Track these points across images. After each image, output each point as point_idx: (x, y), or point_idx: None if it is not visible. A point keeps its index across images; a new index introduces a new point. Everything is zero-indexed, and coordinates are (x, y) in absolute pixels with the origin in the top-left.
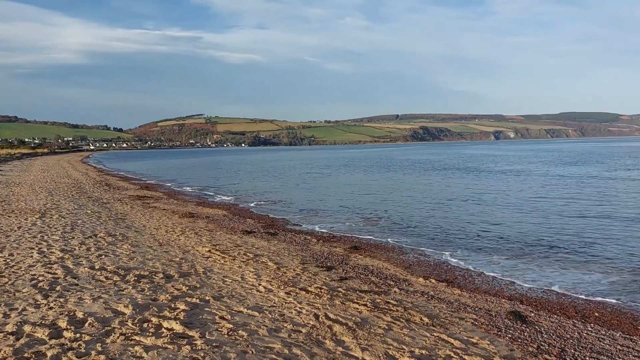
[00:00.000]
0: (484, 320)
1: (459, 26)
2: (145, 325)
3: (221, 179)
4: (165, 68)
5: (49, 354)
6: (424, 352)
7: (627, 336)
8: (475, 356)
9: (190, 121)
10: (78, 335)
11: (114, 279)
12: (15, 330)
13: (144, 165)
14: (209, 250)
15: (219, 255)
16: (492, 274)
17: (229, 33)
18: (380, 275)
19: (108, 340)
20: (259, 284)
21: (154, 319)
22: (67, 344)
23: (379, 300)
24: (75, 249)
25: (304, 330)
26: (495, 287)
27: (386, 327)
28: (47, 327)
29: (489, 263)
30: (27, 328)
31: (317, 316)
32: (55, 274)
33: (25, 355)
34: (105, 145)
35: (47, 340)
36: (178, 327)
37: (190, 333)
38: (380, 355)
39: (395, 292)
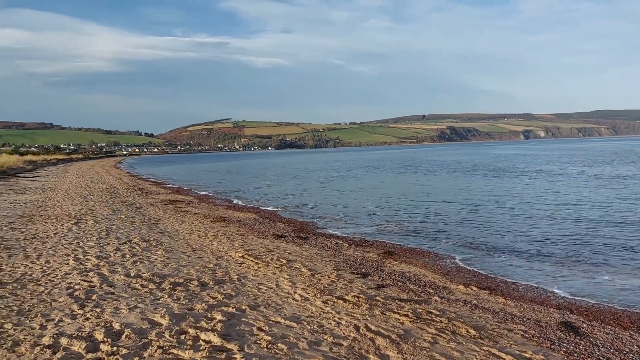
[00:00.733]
0: (535, 332)
1: (484, 25)
2: (182, 337)
3: (250, 182)
4: (193, 74)
5: None
6: None
7: None
8: None
9: (218, 125)
10: (115, 348)
11: (150, 286)
12: (51, 343)
13: (174, 170)
14: (242, 256)
15: (252, 261)
16: (535, 281)
17: (255, 38)
18: (418, 282)
19: (145, 354)
20: (295, 292)
21: (191, 330)
22: (104, 358)
23: (420, 310)
24: (110, 255)
25: (345, 344)
26: (541, 295)
27: (432, 340)
28: (83, 339)
29: (531, 269)
30: (63, 341)
31: (357, 328)
32: (91, 282)
33: None
34: (137, 150)
35: (84, 354)
36: (216, 340)
37: (229, 346)
38: None
39: (436, 301)
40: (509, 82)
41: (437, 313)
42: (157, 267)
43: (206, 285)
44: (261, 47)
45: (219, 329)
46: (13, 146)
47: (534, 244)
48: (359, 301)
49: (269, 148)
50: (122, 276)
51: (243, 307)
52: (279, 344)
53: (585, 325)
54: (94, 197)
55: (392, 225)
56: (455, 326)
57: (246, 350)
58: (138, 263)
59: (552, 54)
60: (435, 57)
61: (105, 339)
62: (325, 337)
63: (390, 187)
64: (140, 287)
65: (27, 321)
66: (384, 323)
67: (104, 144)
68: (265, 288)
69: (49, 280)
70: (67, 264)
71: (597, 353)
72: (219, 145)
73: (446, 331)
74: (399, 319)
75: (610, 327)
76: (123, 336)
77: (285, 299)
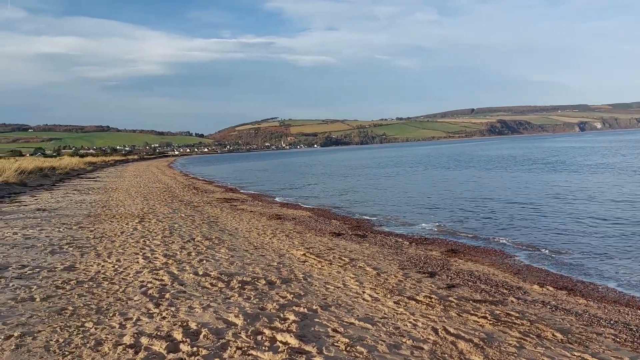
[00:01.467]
0: (626, 337)
1: (533, 15)
2: (259, 337)
3: (298, 180)
4: (241, 74)
5: None
6: None
7: None
8: None
9: (265, 125)
10: (195, 349)
11: (219, 285)
12: (133, 342)
13: (224, 169)
14: (304, 254)
15: (314, 259)
16: (613, 282)
17: (300, 37)
18: (490, 282)
19: (225, 355)
20: (363, 292)
21: (266, 331)
22: (185, 359)
23: (498, 312)
24: (176, 253)
25: (426, 347)
26: (625, 296)
27: (517, 345)
28: (163, 339)
29: (609, 267)
30: (144, 340)
31: (435, 330)
32: (162, 280)
33: None
34: (188, 150)
35: (166, 355)
36: (293, 341)
37: (307, 348)
38: None
39: (512, 301)
40: (562, 72)
41: (517, 315)
42: (224, 265)
43: (274, 284)
44: (306, 45)
45: (295, 330)
46: (73, 148)
47: (602, 242)
48: (432, 302)
49: (315, 146)
50: (191, 275)
51: (314, 307)
52: (357, 347)
53: None
54: (153, 197)
55: (449, 223)
56: (539, 329)
57: (325, 353)
58: (204, 261)
59: (607, 42)
60: (484, 50)
61: (184, 339)
62: (404, 340)
63: (442, 183)
64: (210, 286)
65: (107, 320)
66: (463, 326)
67: (157, 145)
68: (333, 287)
69: (122, 278)
70: (137, 262)
71: None
72: (266, 144)
73: (530, 335)
74: (478, 322)
75: None
76: (201, 336)
77: (355, 299)
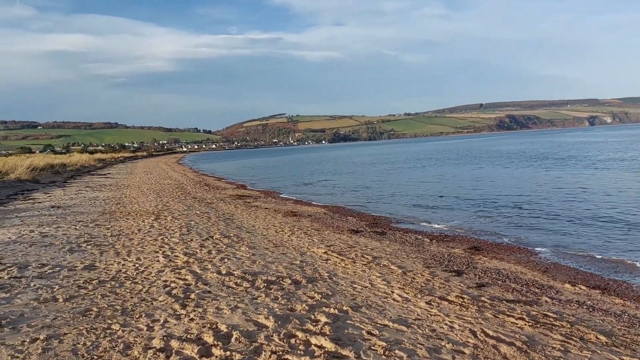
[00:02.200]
0: None
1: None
2: (292, 341)
3: (309, 176)
4: (248, 70)
5: None
6: None
7: None
8: None
9: (273, 121)
10: (228, 353)
11: (244, 285)
12: (163, 346)
13: (234, 165)
14: (325, 252)
15: (336, 257)
16: None
17: (308, 32)
18: (519, 281)
19: None
20: (392, 292)
21: (299, 334)
22: None
23: (534, 313)
24: (196, 252)
25: (467, 351)
26: None
27: (562, 349)
28: (194, 342)
29: (635, 266)
30: (174, 344)
31: (474, 333)
32: (185, 279)
33: None
34: (196, 146)
35: (197, 359)
36: (329, 345)
37: (344, 352)
38: None
39: (546, 301)
40: (572, 66)
41: (555, 316)
42: (246, 264)
43: (299, 284)
44: (313, 41)
45: (328, 332)
46: (82, 145)
47: (627, 238)
48: (465, 302)
49: (323, 142)
50: (214, 274)
51: (344, 308)
52: (396, 351)
53: None
54: (165, 193)
55: (467, 220)
56: (580, 331)
57: (363, 358)
58: (226, 260)
59: (617, 35)
60: (492, 44)
61: (215, 342)
62: (442, 344)
63: (454, 179)
64: (235, 286)
65: (133, 322)
66: (501, 328)
67: (165, 141)
68: (360, 287)
69: (144, 278)
70: (158, 260)
71: None
72: (274, 140)
73: (573, 337)
74: (516, 323)
75: None
76: (232, 339)
77: (385, 300)
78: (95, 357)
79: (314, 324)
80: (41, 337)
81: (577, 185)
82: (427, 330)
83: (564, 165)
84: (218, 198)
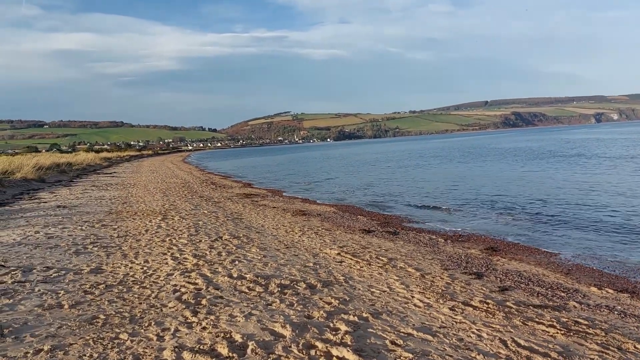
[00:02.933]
0: None
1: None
2: (312, 352)
3: (316, 174)
4: (254, 69)
5: None
6: None
7: None
8: None
9: (278, 119)
10: None
11: (257, 289)
12: (174, 358)
13: (239, 163)
14: (339, 253)
15: (350, 259)
16: None
17: (313, 30)
18: (543, 284)
19: None
20: (412, 296)
21: (319, 344)
22: None
23: (564, 320)
24: (206, 253)
25: None
26: None
27: None
28: (207, 354)
29: None
30: (186, 356)
31: (504, 342)
32: (196, 284)
33: None
34: (201, 145)
35: None
36: (351, 357)
37: None
38: None
39: (575, 307)
40: (578, 63)
41: (586, 323)
42: (257, 266)
43: (315, 288)
44: (318, 39)
45: (349, 343)
46: (88, 144)
47: None
48: (490, 308)
49: (328, 140)
50: (225, 277)
51: (364, 314)
52: None
53: None
54: (172, 192)
55: (480, 219)
56: (617, 340)
57: None
58: (237, 262)
59: (623, 32)
60: (497, 41)
61: (230, 354)
62: (472, 355)
63: (462, 176)
64: (247, 290)
65: (142, 330)
66: (532, 337)
67: (171, 140)
68: (378, 292)
69: (153, 282)
70: (166, 263)
71: None
72: (279, 138)
73: (611, 347)
74: (547, 331)
75: None
76: (248, 350)
77: (406, 305)
78: None
79: (334, 332)
80: (45, 348)
81: (590, 184)
82: (454, 339)
83: (573, 163)
84: (225, 197)
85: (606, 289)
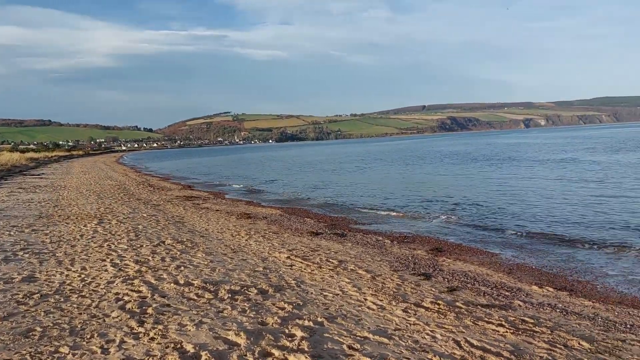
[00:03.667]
0: None
1: (485, 14)
2: None
3: (259, 176)
4: (192, 68)
5: None
6: None
7: None
8: None
9: (217, 119)
10: None
11: (206, 296)
12: None
13: (177, 165)
14: (288, 257)
15: (301, 262)
16: (610, 278)
17: (254, 30)
18: (487, 283)
19: None
20: (365, 299)
21: (275, 352)
22: None
23: (512, 318)
24: (149, 259)
25: None
26: (627, 296)
27: (549, 358)
28: None
29: (599, 263)
30: None
31: (458, 343)
32: (140, 292)
33: None
34: (136, 145)
35: None
36: None
37: None
38: None
39: (520, 305)
40: (510, 71)
41: (532, 321)
42: (205, 272)
43: (266, 293)
44: (260, 39)
45: (307, 349)
46: (12, 143)
47: (582, 234)
48: (441, 309)
49: (270, 141)
50: (171, 284)
51: (319, 319)
52: None
53: None
54: (107, 195)
55: (423, 220)
56: (562, 338)
57: None
58: (182, 268)
59: (553, 41)
60: (435, 47)
61: None
62: (429, 357)
63: (404, 179)
64: (196, 297)
65: (85, 343)
66: (484, 336)
67: (103, 140)
68: (331, 295)
69: (93, 290)
70: (106, 270)
71: None
72: (219, 139)
73: (557, 345)
74: (497, 330)
75: None
76: None
77: (360, 308)
78: None
79: (290, 339)
80: None
81: (524, 186)
82: (409, 341)
83: (507, 166)
84: (165, 199)
85: (546, 287)
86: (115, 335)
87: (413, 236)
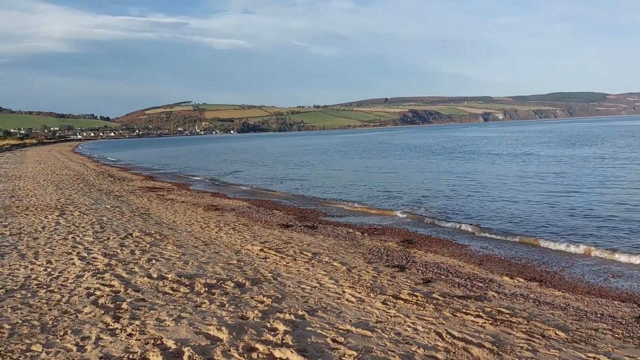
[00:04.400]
0: (622, 331)
1: (445, 8)
2: (255, 355)
3: (222, 167)
4: (151, 55)
5: None
6: None
7: None
8: None
9: (178, 109)
10: None
11: (182, 290)
12: None
13: (136, 154)
14: (261, 249)
15: (275, 255)
16: (577, 269)
17: (215, 18)
18: (460, 275)
19: None
20: (343, 292)
21: (259, 347)
22: None
23: (488, 309)
24: (117, 252)
25: (440, 357)
26: (593, 286)
27: (529, 348)
28: None
29: (558, 252)
30: None
31: (440, 334)
32: (112, 286)
33: None
34: (92, 134)
35: None
36: (295, 358)
37: None
38: None
39: (494, 296)
40: (470, 65)
41: (508, 312)
42: (178, 265)
43: (243, 287)
44: (221, 28)
45: (291, 343)
46: None
47: (545, 224)
48: (419, 300)
49: (232, 132)
50: (144, 278)
51: (300, 312)
52: None
53: None
54: (66, 185)
55: (391, 211)
56: (538, 327)
57: None
58: (154, 261)
59: (511, 37)
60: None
61: None
62: (413, 349)
63: (368, 171)
64: (172, 291)
65: (58, 340)
66: (464, 327)
67: (57, 128)
68: (309, 287)
69: (61, 285)
70: (73, 264)
71: None
72: (179, 129)
73: (535, 335)
74: (476, 322)
75: None
76: (185, 357)
77: (339, 301)
78: None
79: (273, 333)
80: None
81: (486, 178)
82: (392, 334)
83: (469, 158)
84: (127, 190)
85: (517, 278)
86: (91, 332)
87: (383, 228)
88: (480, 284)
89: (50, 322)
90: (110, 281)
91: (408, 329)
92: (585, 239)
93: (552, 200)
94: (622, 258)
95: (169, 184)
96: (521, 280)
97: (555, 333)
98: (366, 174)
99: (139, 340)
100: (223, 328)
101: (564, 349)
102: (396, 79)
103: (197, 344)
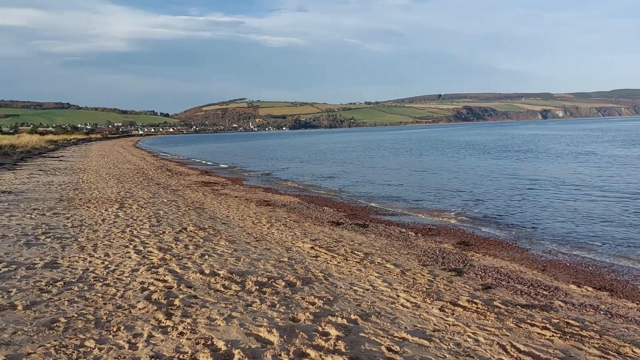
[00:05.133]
0: None
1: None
2: None
3: (275, 163)
4: (208, 53)
5: None
6: None
7: None
8: None
9: (232, 105)
10: None
11: (233, 287)
12: None
13: (193, 150)
14: (312, 247)
15: (326, 253)
16: None
17: (270, 17)
18: (522, 281)
19: None
20: (398, 295)
21: (311, 352)
22: None
23: (556, 321)
24: (172, 247)
25: None
26: None
27: None
28: None
29: (623, 259)
30: None
31: (504, 347)
32: (165, 281)
33: None
34: (152, 130)
35: None
36: None
37: None
38: None
39: (561, 306)
40: (528, 61)
41: (578, 324)
42: (230, 261)
43: (294, 286)
44: (276, 26)
45: (344, 350)
46: (31, 126)
47: (614, 231)
48: (479, 308)
49: (284, 128)
50: (197, 274)
51: (352, 316)
52: None
53: None
54: (126, 179)
55: (447, 211)
56: (613, 343)
57: None
58: (206, 256)
59: (573, 32)
60: (452, 37)
61: None
62: None
63: (421, 169)
64: (223, 289)
65: (111, 336)
66: (530, 340)
67: (120, 124)
68: (362, 290)
69: (117, 278)
70: (130, 257)
71: None
72: (234, 125)
73: (610, 351)
74: (543, 334)
75: None
76: None
77: (393, 305)
78: None
79: (325, 338)
80: None
81: (550, 178)
82: (451, 344)
83: (532, 158)
84: (183, 185)
85: (585, 286)
86: (143, 329)
87: (437, 228)
88: (545, 292)
89: (104, 317)
90: (164, 276)
91: (468, 339)
92: None
93: (619, 204)
94: None
95: (223, 179)
96: (589, 289)
97: (632, 350)
98: (418, 172)
99: (190, 339)
100: (274, 330)
101: None
102: (450, 75)
103: (247, 347)
